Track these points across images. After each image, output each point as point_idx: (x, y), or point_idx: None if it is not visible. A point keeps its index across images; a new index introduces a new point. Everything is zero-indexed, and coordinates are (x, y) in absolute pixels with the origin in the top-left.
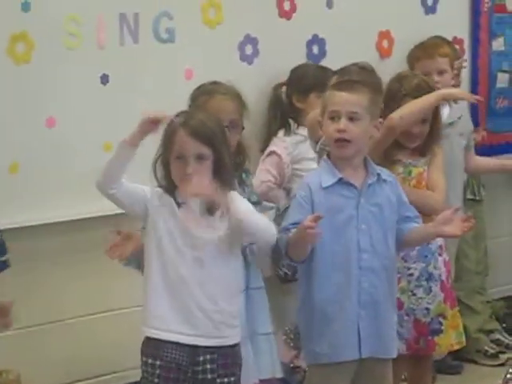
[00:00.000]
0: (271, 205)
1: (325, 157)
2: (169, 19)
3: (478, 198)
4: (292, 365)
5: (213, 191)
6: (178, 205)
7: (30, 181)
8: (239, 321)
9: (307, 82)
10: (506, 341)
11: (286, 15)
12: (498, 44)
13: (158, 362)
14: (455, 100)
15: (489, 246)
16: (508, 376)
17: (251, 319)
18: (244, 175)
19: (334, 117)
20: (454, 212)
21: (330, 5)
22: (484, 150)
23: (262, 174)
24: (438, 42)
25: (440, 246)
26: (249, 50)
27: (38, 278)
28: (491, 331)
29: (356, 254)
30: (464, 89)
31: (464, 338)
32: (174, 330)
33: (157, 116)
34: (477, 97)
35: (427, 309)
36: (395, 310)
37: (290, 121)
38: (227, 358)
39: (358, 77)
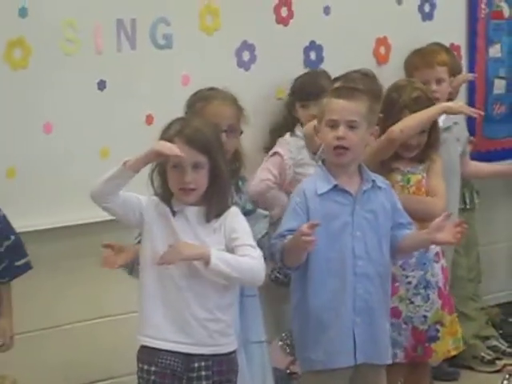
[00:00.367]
0: (265, 213)
1: (320, 163)
2: (166, 25)
3: (469, 206)
4: (288, 371)
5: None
6: (174, 213)
7: (28, 186)
8: (234, 329)
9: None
10: (503, 347)
11: (283, 21)
12: (495, 50)
13: (153, 368)
14: (455, 114)
15: (484, 252)
16: (505, 382)
17: (245, 327)
18: (240, 182)
19: (333, 125)
20: (445, 218)
21: (327, 11)
22: (481, 156)
23: (263, 173)
24: (436, 49)
25: (437, 253)
26: (246, 56)
27: (34, 284)
28: (488, 338)
29: (351, 261)
30: (461, 95)
31: (461, 343)
32: (169, 338)
33: (165, 152)
34: (476, 111)
35: (425, 316)
36: (388, 316)
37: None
38: (222, 364)
39: (360, 83)
